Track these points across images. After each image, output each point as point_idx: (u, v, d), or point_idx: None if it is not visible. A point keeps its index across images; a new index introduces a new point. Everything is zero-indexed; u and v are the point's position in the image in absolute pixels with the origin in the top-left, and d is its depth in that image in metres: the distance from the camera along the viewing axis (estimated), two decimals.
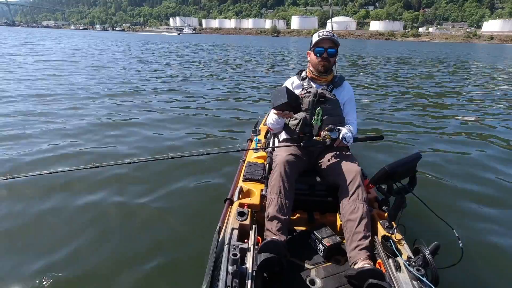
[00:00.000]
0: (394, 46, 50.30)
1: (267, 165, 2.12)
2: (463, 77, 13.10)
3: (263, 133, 2.92)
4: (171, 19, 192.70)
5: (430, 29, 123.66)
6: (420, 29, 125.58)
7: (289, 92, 1.73)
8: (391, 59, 22.65)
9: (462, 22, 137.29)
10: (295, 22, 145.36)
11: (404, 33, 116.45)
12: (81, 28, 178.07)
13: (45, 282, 1.93)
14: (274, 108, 1.80)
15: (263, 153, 2.44)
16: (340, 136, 1.89)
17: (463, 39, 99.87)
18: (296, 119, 2.03)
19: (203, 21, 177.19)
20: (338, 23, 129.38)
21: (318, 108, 1.98)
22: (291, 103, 1.73)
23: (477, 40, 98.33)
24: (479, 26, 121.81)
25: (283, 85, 1.92)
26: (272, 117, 2.08)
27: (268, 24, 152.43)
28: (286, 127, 2.14)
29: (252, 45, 38.34)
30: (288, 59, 19.54)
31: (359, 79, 11.28)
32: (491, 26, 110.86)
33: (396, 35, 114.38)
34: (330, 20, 3.51)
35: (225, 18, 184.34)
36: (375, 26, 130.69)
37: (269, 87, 9.29)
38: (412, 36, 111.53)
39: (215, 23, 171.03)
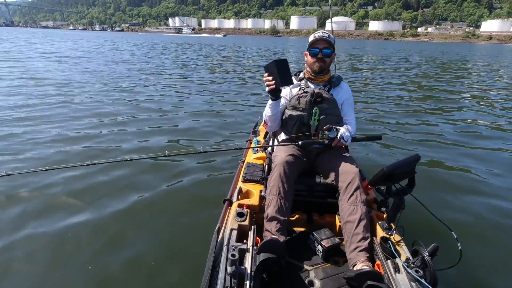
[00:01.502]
0: (393, 46, 50.26)
1: (266, 166, 2.11)
2: (464, 78, 13.06)
3: (262, 134, 2.90)
4: (170, 19, 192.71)
5: (429, 29, 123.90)
6: (419, 29, 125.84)
7: (284, 63, 1.80)
8: (390, 58, 22.66)
9: (461, 22, 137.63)
10: (294, 22, 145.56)
11: (403, 33, 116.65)
12: (80, 28, 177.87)
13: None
14: (264, 67, 1.85)
15: (262, 154, 2.43)
16: (338, 135, 1.89)
17: (461, 39, 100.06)
18: (293, 119, 2.03)
19: (202, 21, 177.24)
20: (337, 23, 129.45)
21: (315, 108, 1.98)
22: (278, 68, 1.78)
23: (476, 40, 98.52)
24: (477, 26, 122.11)
25: None
26: (266, 105, 2.07)
27: (267, 24, 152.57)
28: (283, 127, 2.14)
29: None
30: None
31: (358, 78, 11.27)
32: (489, 26, 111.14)
33: (395, 35, 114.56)
34: (330, 20, 3.48)
35: (224, 18, 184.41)
36: (374, 26, 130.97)
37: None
38: (411, 36, 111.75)
39: (214, 23, 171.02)
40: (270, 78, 1.83)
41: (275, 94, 1.93)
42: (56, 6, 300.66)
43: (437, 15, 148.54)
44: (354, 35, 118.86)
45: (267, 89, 1.91)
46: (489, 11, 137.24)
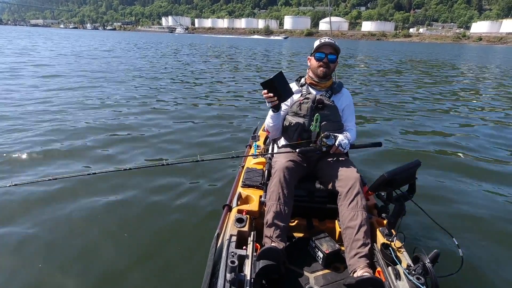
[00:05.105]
0: (387, 47, 50.58)
1: (266, 171, 2.10)
2: (463, 80, 13.09)
3: (262, 139, 2.89)
4: (163, 19, 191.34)
5: (421, 30, 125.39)
6: (411, 30, 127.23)
7: (280, 77, 1.80)
8: (385, 60, 22.80)
9: (452, 23, 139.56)
10: (288, 22, 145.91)
11: (395, 34, 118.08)
12: (71, 27, 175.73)
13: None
14: (261, 84, 1.84)
15: (262, 159, 2.41)
16: (336, 143, 1.90)
17: (452, 40, 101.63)
18: (294, 125, 2.03)
19: (196, 20, 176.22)
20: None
21: (316, 114, 1.98)
22: (275, 84, 1.79)
23: (466, 41, 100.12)
24: (468, 27, 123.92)
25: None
26: (268, 116, 2.09)
27: (261, 24, 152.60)
28: (284, 133, 2.13)
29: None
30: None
31: (356, 83, 11.20)
32: (479, 27, 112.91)
33: (388, 35, 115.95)
34: (329, 19, 3.45)
35: (218, 17, 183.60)
36: (367, 26, 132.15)
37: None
38: (403, 36, 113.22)
39: (207, 22, 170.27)
40: (271, 94, 1.82)
41: (277, 108, 1.94)
42: (46, 4, 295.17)
43: (428, 16, 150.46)
44: (347, 36, 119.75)
45: (269, 105, 1.91)
46: (479, 13, 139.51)
